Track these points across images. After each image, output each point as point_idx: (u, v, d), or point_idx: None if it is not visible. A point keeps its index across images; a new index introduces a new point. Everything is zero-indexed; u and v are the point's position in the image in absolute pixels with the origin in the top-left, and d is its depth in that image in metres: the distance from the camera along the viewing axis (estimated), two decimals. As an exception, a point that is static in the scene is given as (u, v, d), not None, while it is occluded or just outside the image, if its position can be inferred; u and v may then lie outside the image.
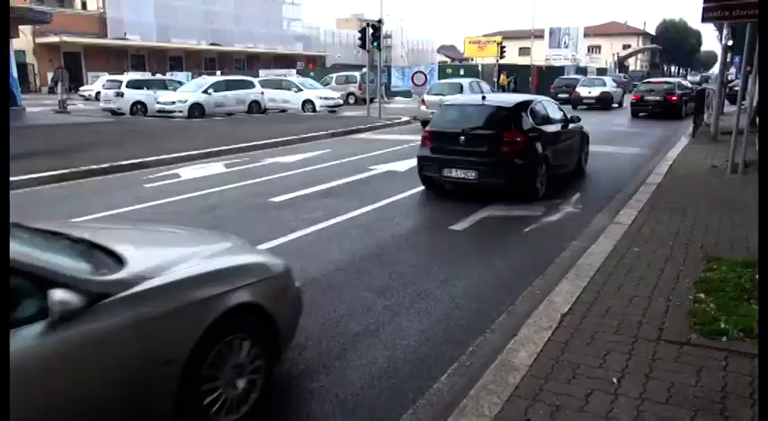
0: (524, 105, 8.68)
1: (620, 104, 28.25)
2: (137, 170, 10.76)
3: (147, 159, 11.32)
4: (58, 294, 2.22)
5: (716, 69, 32.21)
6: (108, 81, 26.44)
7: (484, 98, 9.06)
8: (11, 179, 8.83)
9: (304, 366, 3.61)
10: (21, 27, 21.02)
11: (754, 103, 11.98)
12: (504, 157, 7.89)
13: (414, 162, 9.06)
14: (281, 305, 3.20)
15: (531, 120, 8.48)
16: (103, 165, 10.54)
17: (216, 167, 11.17)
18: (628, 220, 6.58)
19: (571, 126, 9.79)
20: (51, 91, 36.35)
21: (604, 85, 28.34)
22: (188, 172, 10.64)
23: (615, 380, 3.16)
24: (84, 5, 47.07)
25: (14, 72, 19.84)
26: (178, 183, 9.62)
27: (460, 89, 19.40)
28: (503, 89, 32.89)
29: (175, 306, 2.64)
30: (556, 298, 4.35)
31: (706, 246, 5.54)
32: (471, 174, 8.03)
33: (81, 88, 36.16)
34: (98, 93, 29.70)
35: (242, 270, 3.13)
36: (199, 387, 2.70)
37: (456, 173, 8.16)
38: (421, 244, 6.23)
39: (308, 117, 22.71)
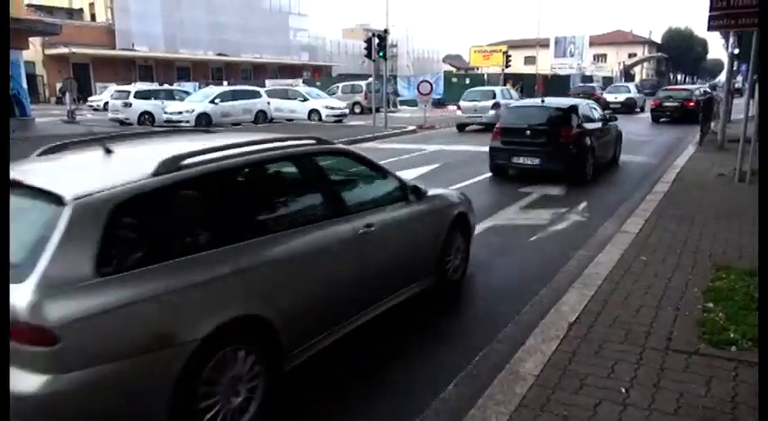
0: (575, 107, 10.73)
1: (642, 109, 30.54)
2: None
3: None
4: (411, 192, 4.55)
5: (722, 77, 32.45)
6: (116, 91, 26.68)
7: (543, 101, 11.42)
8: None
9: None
10: (30, 39, 21.26)
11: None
12: (561, 147, 9.94)
13: (420, 171, 9.73)
14: (471, 212, 5.51)
15: (579, 119, 10.43)
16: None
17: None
18: (635, 229, 6.55)
19: (609, 124, 11.96)
20: (59, 101, 36.67)
21: (629, 91, 31.53)
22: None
23: (623, 391, 3.14)
24: (93, 17, 47.57)
25: (24, 83, 20.05)
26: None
27: (493, 95, 21.37)
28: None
29: (441, 207, 4.97)
30: (563, 307, 4.34)
31: (714, 255, 5.51)
32: (535, 161, 10.14)
33: (90, 99, 36.49)
34: (107, 103, 29.98)
35: (462, 195, 5.55)
36: (447, 250, 4.95)
37: (522, 160, 10.30)
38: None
39: (315, 126, 22.79)
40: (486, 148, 11.01)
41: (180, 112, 21.72)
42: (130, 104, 23.16)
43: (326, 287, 3.57)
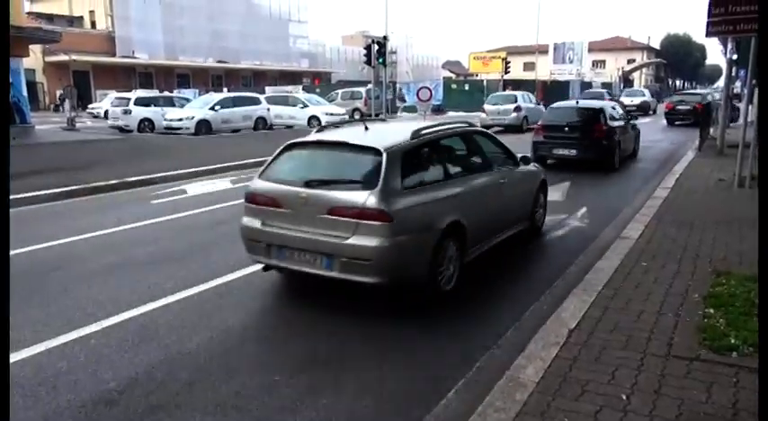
0: (604, 108, 13.09)
1: (655, 111, 35.26)
2: (144, 186, 10.83)
3: (154, 176, 11.40)
4: (521, 160, 6.68)
5: (721, 83, 32.84)
6: (116, 98, 26.70)
7: (578, 102, 14.56)
8: (19, 196, 8.96)
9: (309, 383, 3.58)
10: (31, 46, 21.31)
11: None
12: (595, 141, 12.15)
13: None
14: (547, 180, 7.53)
15: (607, 118, 12.58)
16: (111, 182, 10.62)
17: (222, 183, 11.22)
18: (635, 235, 6.55)
19: (631, 122, 14.37)
20: (57, 109, 36.70)
21: (644, 95, 37.44)
22: (195, 188, 10.71)
23: (624, 397, 3.13)
24: (93, 25, 47.67)
25: (24, 90, 20.08)
26: (185, 199, 9.67)
27: (515, 99, 23.83)
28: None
29: (534, 172, 7.15)
30: (563, 313, 4.33)
31: (714, 261, 5.50)
32: (573, 152, 12.28)
33: (90, 106, 36.40)
34: (107, 111, 30.01)
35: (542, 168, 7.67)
36: (536, 203, 7.03)
37: (562, 151, 12.43)
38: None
39: (314, 133, 22.76)
40: None
41: (180, 119, 21.74)
42: (130, 111, 23.19)
43: (487, 212, 5.71)
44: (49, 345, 4.11)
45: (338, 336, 4.26)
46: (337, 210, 4.46)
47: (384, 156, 4.58)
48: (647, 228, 6.86)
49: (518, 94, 25.07)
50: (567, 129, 12.40)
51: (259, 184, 5.00)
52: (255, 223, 4.91)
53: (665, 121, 26.51)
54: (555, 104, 15.10)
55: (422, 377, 3.66)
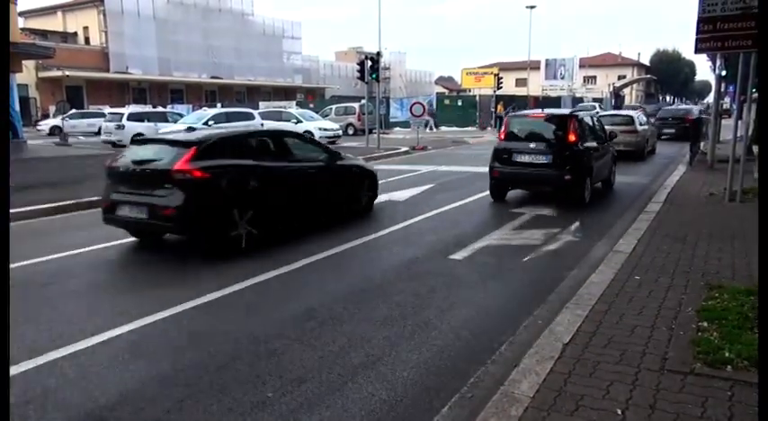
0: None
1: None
2: (136, 202, 10.76)
3: (146, 191, 11.33)
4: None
5: (710, 98, 33.37)
6: (109, 113, 26.70)
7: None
8: (10, 211, 8.89)
9: (303, 399, 3.55)
10: (24, 62, 21.31)
11: (750, 132, 12.08)
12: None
13: (414, 191, 10.25)
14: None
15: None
16: (103, 197, 10.55)
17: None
18: (628, 249, 6.57)
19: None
20: (44, 117, 36.87)
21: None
22: (188, 203, 10.64)
23: (619, 412, 3.11)
24: (87, 41, 47.79)
25: (17, 105, 20.03)
26: (177, 215, 9.60)
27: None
28: (500, 119, 33.34)
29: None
30: (557, 327, 4.31)
31: (707, 274, 5.52)
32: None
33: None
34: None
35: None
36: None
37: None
38: (421, 273, 6.20)
39: (308, 148, 22.82)
40: (479, 170, 11.12)
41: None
42: (123, 126, 23.18)
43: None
44: (38, 362, 4.05)
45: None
46: None
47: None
48: (639, 242, 6.88)
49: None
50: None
51: None
52: None
53: None
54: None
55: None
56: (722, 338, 3.93)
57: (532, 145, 10.02)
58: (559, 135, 9.91)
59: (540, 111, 11.84)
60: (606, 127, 12.73)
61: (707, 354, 3.71)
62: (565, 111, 12.82)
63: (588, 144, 10.34)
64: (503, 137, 10.62)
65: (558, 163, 9.66)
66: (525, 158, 9.98)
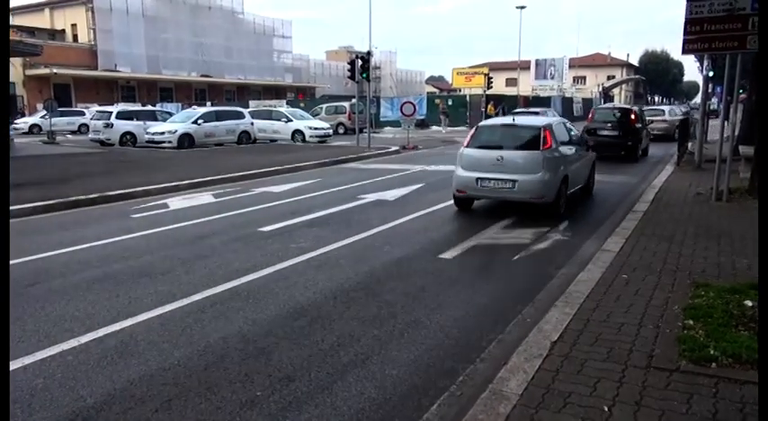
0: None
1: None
2: (125, 200, 10.72)
3: (135, 190, 11.29)
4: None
5: (698, 99, 33.65)
6: (97, 112, 26.52)
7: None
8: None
9: (292, 398, 3.56)
10: (11, 59, 21.09)
11: (736, 132, 12.20)
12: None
13: (404, 191, 9.95)
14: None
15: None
16: (92, 196, 10.49)
17: (205, 198, 11.15)
18: (616, 248, 6.62)
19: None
20: (31, 113, 36.59)
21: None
22: (176, 202, 10.61)
23: (606, 409, 3.14)
24: (75, 38, 47.36)
25: (4, 103, 19.83)
26: (166, 214, 9.58)
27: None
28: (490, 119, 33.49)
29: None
30: (545, 326, 4.34)
31: (693, 273, 5.58)
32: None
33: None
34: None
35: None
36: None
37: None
38: (411, 272, 6.21)
39: (298, 147, 22.83)
40: None
41: (162, 133, 21.63)
42: (112, 125, 23.03)
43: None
44: (25, 362, 4.02)
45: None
46: None
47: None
48: (627, 241, 6.94)
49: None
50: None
51: None
52: None
53: None
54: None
55: (405, 391, 3.64)
56: (708, 336, 3.98)
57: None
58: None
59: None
60: (647, 117, 19.83)
61: (692, 352, 3.75)
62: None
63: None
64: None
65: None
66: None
